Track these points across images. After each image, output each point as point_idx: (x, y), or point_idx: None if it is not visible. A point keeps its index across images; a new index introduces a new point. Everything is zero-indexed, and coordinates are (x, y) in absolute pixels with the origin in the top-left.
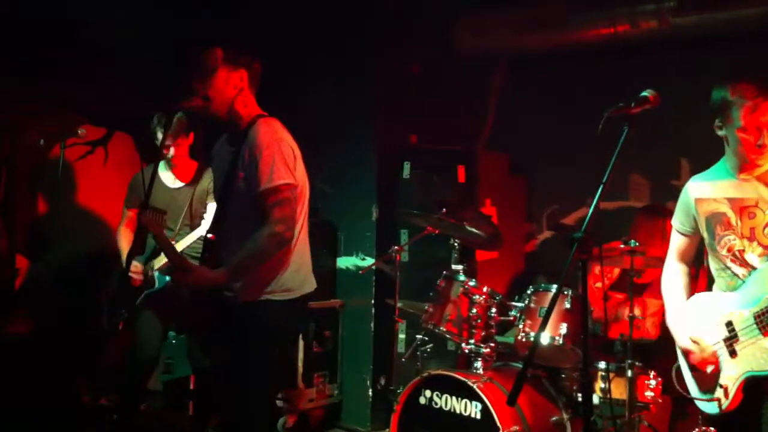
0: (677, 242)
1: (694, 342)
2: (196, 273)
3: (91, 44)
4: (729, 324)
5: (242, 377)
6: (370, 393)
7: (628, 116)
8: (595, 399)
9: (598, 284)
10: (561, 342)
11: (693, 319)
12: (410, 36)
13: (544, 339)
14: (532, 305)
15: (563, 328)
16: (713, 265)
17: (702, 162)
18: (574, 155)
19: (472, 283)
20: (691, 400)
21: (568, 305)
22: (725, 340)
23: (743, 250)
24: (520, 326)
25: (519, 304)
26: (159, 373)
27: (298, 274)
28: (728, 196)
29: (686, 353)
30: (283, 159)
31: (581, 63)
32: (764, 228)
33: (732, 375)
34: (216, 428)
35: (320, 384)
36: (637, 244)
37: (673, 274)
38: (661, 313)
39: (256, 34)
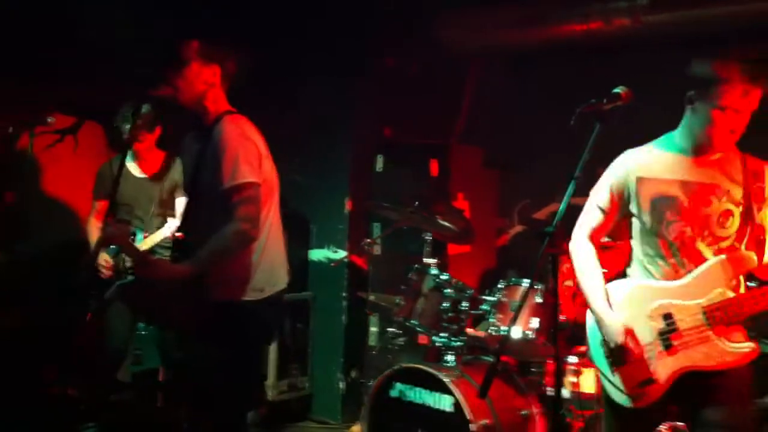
0: (594, 220)
1: (630, 333)
2: (158, 267)
3: (63, 33)
4: (668, 316)
5: (212, 371)
6: (341, 386)
7: (600, 112)
8: (565, 393)
9: (568, 282)
10: (532, 336)
11: (618, 309)
12: (386, 30)
13: (515, 333)
14: (503, 299)
15: (534, 323)
16: (647, 250)
17: None
18: (547, 150)
19: (443, 277)
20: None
21: (539, 299)
22: (661, 333)
23: (693, 239)
24: (492, 320)
25: (490, 298)
26: (128, 365)
27: (271, 273)
28: (682, 179)
29: (618, 347)
30: (246, 157)
31: (555, 59)
32: (719, 217)
33: (667, 369)
34: (185, 420)
35: (291, 377)
36: (608, 239)
37: (588, 255)
38: None
39: (229, 27)
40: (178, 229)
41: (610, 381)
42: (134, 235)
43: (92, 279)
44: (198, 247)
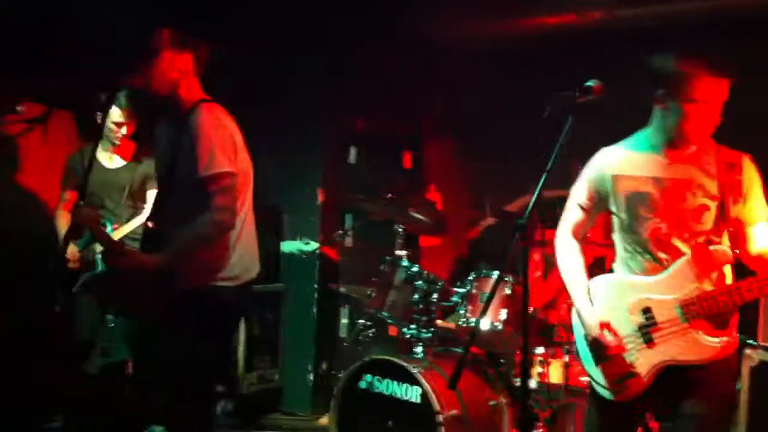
0: (575, 217)
1: (605, 327)
2: (131, 257)
3: (33, 23)
4: (647, 310)
5: (181, 362)
6: (311, 378)
7: (573, 105)
8: (533, 383)
9: (537, 273)
10: (501, 328)
11: (600, 304)
12: (358, 21)
13: (485, 324)
14: (473, 291)
15: (503, 314)
16: (625, 246)
17: None
18: (520, 143)
19: (415, 269)
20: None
21: (508, 291)
22: (641, 327)
23: (669, 235)
24: (462, 312)
25: (461, 290)
26: (96, 357)
27: (244, 261)
28: (654, 176)
29: (596, 341)
30: (222, 146)
31: (528, 51)
32: (694, 212)
33: (648, 363)
34: (154, 412)
35: (261, 369)
36: None
37: (571, 251)
38: None
39: (199, 17)
40: (150, 219)
41: (592, 374)
42: (104, 226)
43: (61, 270)
44: (170, 237)
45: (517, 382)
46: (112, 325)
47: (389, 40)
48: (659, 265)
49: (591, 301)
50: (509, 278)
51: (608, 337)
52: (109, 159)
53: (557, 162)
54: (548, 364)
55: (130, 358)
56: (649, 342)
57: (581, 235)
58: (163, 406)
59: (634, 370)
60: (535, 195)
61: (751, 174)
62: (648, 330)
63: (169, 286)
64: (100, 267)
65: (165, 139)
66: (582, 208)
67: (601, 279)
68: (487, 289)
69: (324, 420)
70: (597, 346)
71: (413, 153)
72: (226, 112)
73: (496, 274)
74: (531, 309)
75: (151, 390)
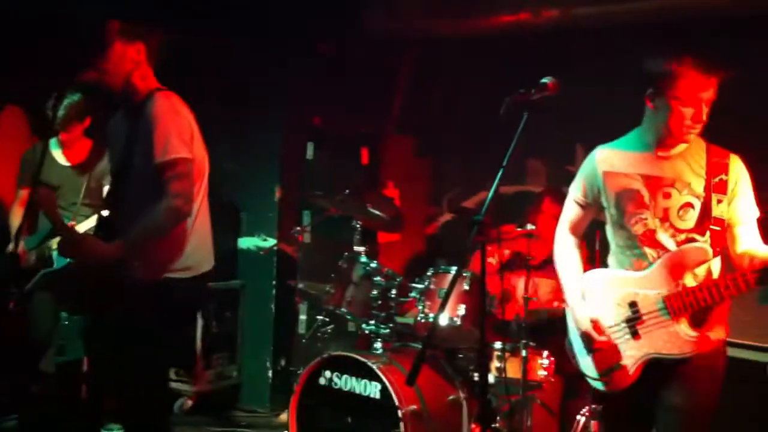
0: (572, 213)
1: (595, 322)
2: (88, 245)
3: None
4: (633, 305)
5: (138, 357)
6: (270, 374)
7: (528, 102)
8: (491, 378)
9: (492, 259)
10: (459, 323)
11: (592, 297)
12: (318, 15)
13: (443, 320)
14: (431, 287)
15: (461, 310)
16: (617, 242)
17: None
18: (477, 139)
19: (373, 265)
20: (582, 378)
21: (466, 287)
22: (628, 320)
23: (655, 231)
24: (420, 307)
25: (419, 286)
26: (52, 355)
27: (198, 253)
28: (643, 173)
29: (586, 334)
30: (179, 133)
31: (486, 48)
32: (679, 210)
33: (633, 356)
34: (110, 411)
35: (219, 365)
36: (534, 227)
37: (568, 247)
38: (554, 292)
39: (157, 8)
40: (104, 209)
41: (584, 366)
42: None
43: (15, 267)
44: (125, 226)
45: (476, 376)
46: (67, 322)
47: (349, 37)
48: (646, 261)
49: (583, 294)
50: (467, 273)
51: (596, 334)
52: (65, 157)
53: (514, 158)
54: (506, 358)
55: (85, 357)
56: (634, 335)
57: (579, 231)
58: (119, 403)
59: (621, 362)
60: (492, 191)
61: (738, 174)
62: (633, 323)
63: (122, 278)
64: (56, 264)
65: (120, 128)
66: (578, 204)
67: (594, 273)
68: (445, 284)
69: (283, 416)
70: (586, 339)
71: (371, 149)
72: (181, 101)
73: (453, 269)
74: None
75: (108, 387)
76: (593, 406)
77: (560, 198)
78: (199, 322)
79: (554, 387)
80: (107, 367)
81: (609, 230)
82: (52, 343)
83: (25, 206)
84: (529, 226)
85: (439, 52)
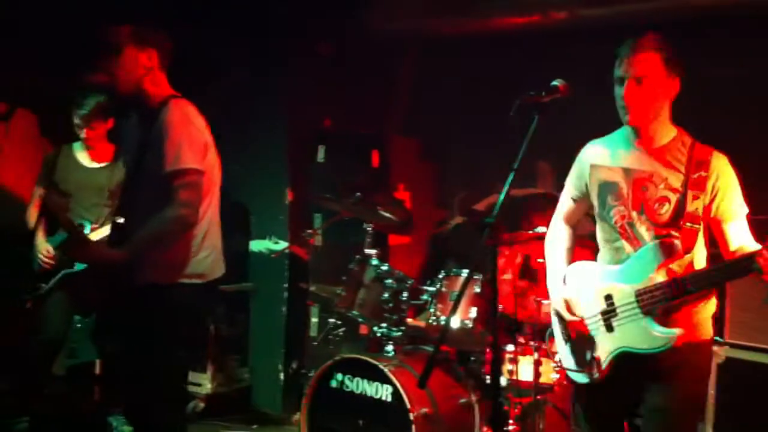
0: (566, 206)
1: (566, 302)
2: (94, 250)
3: None
4: (608, 297)
5: (150, 360)
6: (282, 377)
7: (539, 104)
8: (503, 381)
9: (507, 276)
10: (471, 326)
11: (572, 286)
12: (325, 18)
13: (455, 323)
14: (443, 289)
15: (473, 312)
16: (601, 235)
17: None
18: (486, 142)
19: (384, 268)
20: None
21: (478, 290)
22: (603, 313)
23: (632, 224)
24: (431, 310)
25: (430, 289)
26: (63, 357)
27: (209, 259)
28: (623, 166)
29: (558, 314)
30: (191, 143)
31: (494, 49)
32: (655, 203)
33: (606, 348)
34: (122, 413)
35: (231, 368)
36: (545, 229)
37: (558, 236)
38: None
39: (166, 13)
40: (118, 213)
41: (562, 356)
42: (82, 226)
43: (32, 265)
44: (135, 231)
45: (488, 379)
46: (80, 325)
47: (356, 38)
48: (623, 254)
49: (565, 284)
50: (479, 276)
51: (566, 313)
52: (88, 158)
53: (524, 161)
54: (518, 361)
55: (97, 360)
56: (609, 328)
57: (573, 223)
58: (129, 405)
59: (595, 353)
60: (503, 194)
61: (721, 171)
62: (608, 316)
63: (134, 282)
64: (77, 266)
65: (134, 134)
66: (571, 198)
67: (577, 265)
68: (456, 287)
69: (295, 419)
70: (563, 325)
71: (382, 152)
72: (195, 109)
73: (465, 272)
74: (501, 307)
75: (120, 390)
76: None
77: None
78: (211, 325)
79: (566, 390)
80: (119, 369)
81: (597, 224)
82: (64, 345)
83: (39, 207)
84: (540, 229)
85: (445, 53)
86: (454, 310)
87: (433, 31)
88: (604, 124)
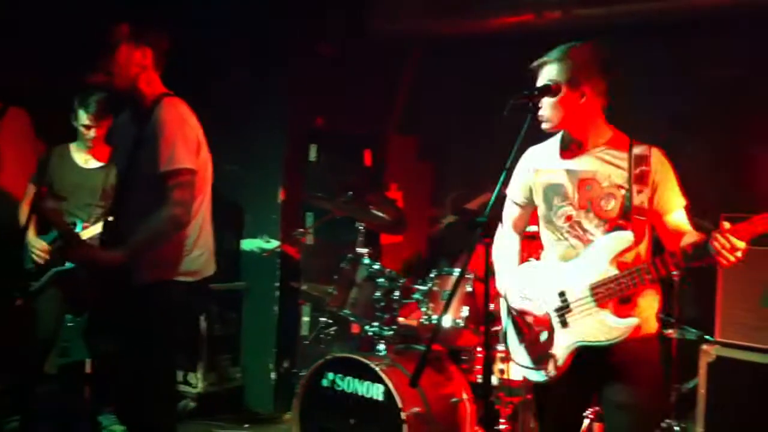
0: (512, 212)
1: (527, 299)
2: (91, 252)
3: None
4: (562, 294)
5: (143, 359)
6: (273, 376)
7: (532, 104)
8: (494, 380)
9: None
10: (462, 324)
11: (524, 286)
12: (321, 17)
13: (446, 322)
14: (435, 288)
15: (465, 311)
16: (547, 236)
17: None
18: (480, 141)
19: (376, 267)
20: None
21: (469, 289)
22: (557, 310)
23: (580, 222)
24: (423, 309)
25: (422, 288)
26: (55, 356)
27: (202, 257)
28: (567, 168)
29: (521, 314)
30: (185, 142)
31: (488, 50)
32: (601, 200)
33: (562, 345)
34: (113, 412)
35: (223, 367)
36: (536, 228)
37: (507, 241)
38: None
39: (164, 12)
40: (110, 213)
41: (518, 358)
42: (74, 225)
43: (23, 263)
44: (128, 231)
45: (479, 378)
46: (71, 324)
47: (351, 37)
48: (574, 251)
49: (520, 283)
50: (470, 275)
51: (529, 308)
52: (84, 160)
53: (517, 160)
54: (509, 360)
55: (88, 359)
56: (563, 324)
57: (520, 229)
58: (121, 404)
59: (551, 350)
60: (495, 193)
61: (660, 165)
62: (563, 312)
63: (127, 281)
64: (68, 264)
65: (127, 133)
66: (515, 203)
67: (526, 265)
68: (448, 286)
69: (286, 418)
70: (519, 323)
71: (374, 151)
72: (188, 108)
73: (457, 271)
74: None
75: (112, 389)
76: (596, 408)
77: None
78: (202, 324)
79: None
80: (112, 368)
81: (541, 225)
82: (55, 343)
83: (30, 204)
84: (531, 228)
85: (442, 53)
86: (445, 309)
87: (431, 31)
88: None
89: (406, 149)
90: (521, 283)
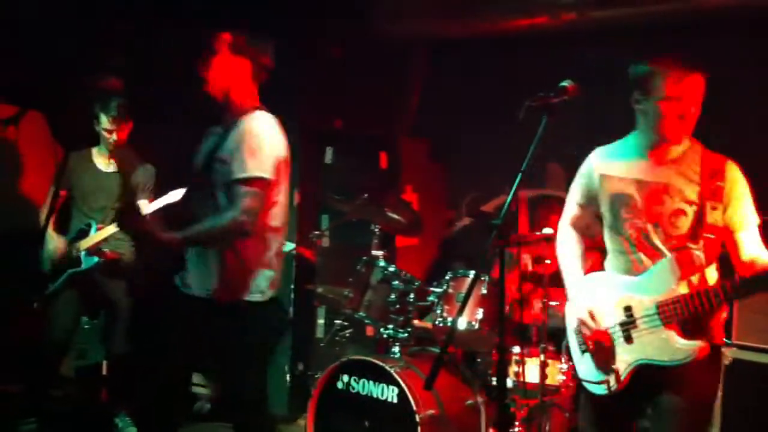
0: (572, 212)
1: (590, 312)
2: (151, 226)
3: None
4: (628, 309)
5: (236, 377)
6: (288, 378)
7: (548, 106)
8: (509, 383)
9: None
10: (477, 327)
11: (590, 297)
12: (335, 19)
13: (461, 324)
14: (450, 291)
15: (479, 314)
16: (612, 245)
17: None
18: (495, 143)
19: (391, 269)
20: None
21: (484, 291)
22: (622, 324)
23: (648, 236)
24: (438, 311)
25: (437, 290)
26: (71, 359)
27: (275, 276)
28: (636, 178)
29: (582, 322)
30: (263, 153)
31: (502, 51)
32: (670, 216)
33: (625, 360)
34: (129, 415)
35: None
36: (552, 231)
37: (569, 241)
38: None
39: (175, 12)
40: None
41: (578, 367)
42: (89, 226)
43: (41, 266)
44: (189, 222)
45: (494, 381)
46: (87, 326)
47: (364, 39)
48: (641, 266)
49: (585, 293)
50: (485, 277)
51: (591, 321)
52: (105, 164)
53: (533, 162)
54: (524, 363)
55: (104, 360)
56: (627, 339)
57: (581, 227)
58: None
59: (614, 365)
60: (511, 195)
61: (734, 180)
62: (627, 327)
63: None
64: (83, 265)
65: (213, 136)
66: (576, 203)
67: (593, 275)
68: (463, 288)
69: (301, 421)
70: (582, 334)
71: (390, 153)
72: (277, 123)
73: (472, 273)
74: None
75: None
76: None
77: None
78: None
79: (573, 392)
80: (125, 371)
81: (605, 233)
82: (72, 346)
83: (49, 205)
84: (547, 230)
85: (457, 55)
86: (460, 312)
87: (442, 32)
88: (619, 126)
89: (420, 151)
90: (585, 295)
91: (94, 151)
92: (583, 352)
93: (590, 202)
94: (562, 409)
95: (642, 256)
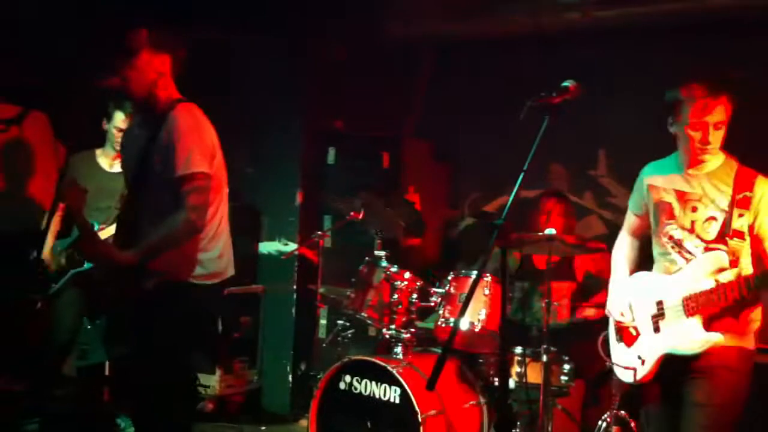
0: (630, 221)
1: (629, 306)
2: (105, 249)
3: (5, 22)
4: (659, 303)
5: (159, 361)
6: (291, 379)
7: (549, 106)
8: (512, 383)
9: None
10: (479, 327)
11: (630, 293)
12: (338, 20)
13: (464, 324)
14: (452, 291)
15: (482, 314)
16: (656, 249)
17: (620, 153)
18: (497, 143)
19: (393, 269)
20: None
21: (486, 291)
22: (653, 316)
23: (682, 240)
24: (441, 312)
25: (440, 290)
26: (74, 359)
27: (221, 260)
28: (675, 188)
29: (620, 315)
30: (200, 147)
31: (504, 52)
32: (704, 222)
33: (653, 348)
34: (131, 415)
35: (240, 370)
36: (554, 231)
37: (623, 247)
38: (570, 294)
39: (183, 12)
40: (121, 215)
41: (614, 355)
42: (92, 226)
43: (45, 265)
44: (142, 233)
45: (496, 381)
46: (89, 327)
47: (369, 42)
48: (676, 266)
49: (626, 290)
50: (488, 278)
51: (626, 314)
52: (109, 164)
53: (535, 162)
54: (527, 363)
55: (107, 361)
56: (656, 329)
57: (637, 235)
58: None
59: (642, 355)
60: (513, 195)
61: (763, 191)
62: (657, 319)
63: (139, 283)
64: (87, 265)
65: (139, 137)
66: (635, 214)
67: (637, 275)
68: (466, 289)
69: (303, 421)
70: (619, 326)
71: (392, 154)
72: (203, 113)
73: (474, 274)
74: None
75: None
76: (616, 411)
77: (563, 197)
78: (220, 326)
79: (576, 393)
80: (129, 370)
81: (653, 238)
82: (74, 346)
83: (52, 207)
84: (549, 231)
85: (459, 56)
86: (462, 312)
87: (446, 33)
88: (622, 127)
89: (423, 152)
90: (626, 291)
91: (98, 152)
92: (618, 341)
93: (644, 212)
94: (565, 410)
95: (677, 257)
